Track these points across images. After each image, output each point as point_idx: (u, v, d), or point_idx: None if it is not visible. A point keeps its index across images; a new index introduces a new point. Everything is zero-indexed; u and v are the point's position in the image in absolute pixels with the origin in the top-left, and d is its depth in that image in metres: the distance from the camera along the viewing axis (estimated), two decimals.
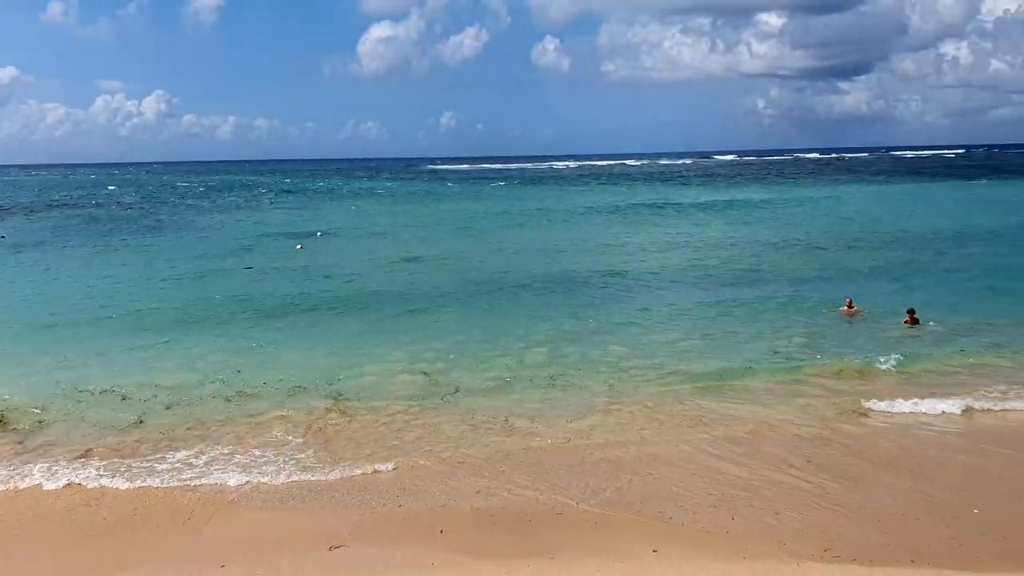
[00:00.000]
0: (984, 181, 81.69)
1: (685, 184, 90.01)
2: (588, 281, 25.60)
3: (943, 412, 12.98)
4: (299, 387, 14.95)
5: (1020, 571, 8.18)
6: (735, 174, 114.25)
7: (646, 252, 32.92)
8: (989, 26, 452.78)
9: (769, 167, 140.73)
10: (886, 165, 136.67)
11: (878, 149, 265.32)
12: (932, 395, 13.70)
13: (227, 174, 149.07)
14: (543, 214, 52.19)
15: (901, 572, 8.21)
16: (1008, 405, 13.31)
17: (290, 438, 12.49)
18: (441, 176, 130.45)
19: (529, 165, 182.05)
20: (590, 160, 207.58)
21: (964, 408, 13.12)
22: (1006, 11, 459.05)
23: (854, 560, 8.44)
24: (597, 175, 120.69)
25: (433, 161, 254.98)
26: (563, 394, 14.41)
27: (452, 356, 16.80)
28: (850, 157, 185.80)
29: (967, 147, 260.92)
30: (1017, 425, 12.64)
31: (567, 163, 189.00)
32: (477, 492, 10.45)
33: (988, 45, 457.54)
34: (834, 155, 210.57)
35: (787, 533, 9.13)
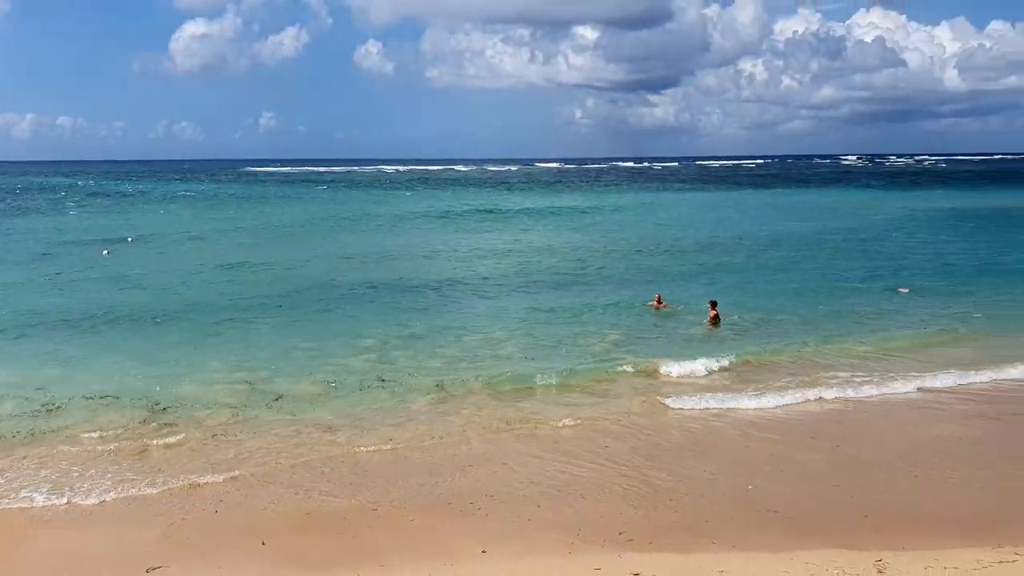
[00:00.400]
0: (779, 189, 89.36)
1: (512, 190, 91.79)
2: (417, 286, 25.70)
3: (734, 406, 14.11)
4: (112, 399, 14.21)
5: (792, 539, 9.24)
6: (558, 180, 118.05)
7: (474, 257, 33.37)
8: (781, 45, 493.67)
9: (588, 174, 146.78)
10: (694, 174, 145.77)
11: (685, 159, 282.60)
12: (725, 389, 15.04)
13: (25, 175, 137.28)
14: (370, 219, 51.57)
15: (727, 558, 8.88)
16: (790, 399, 14.48)
17: (103, 452, 11.91)
18: (261, 179, 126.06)
19: (355, 168, 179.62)
20: (420, 164, 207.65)
21: (755, 401, 14.33)
22: (795, 32, 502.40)
23: (651, 544, 9.15)
24: (426, 179, 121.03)
25: (252, 163, 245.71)
26: (390, 398, 14.49)
27: (275, 365, 16.45)
28: (662, 166, 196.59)
29: (763, 157, 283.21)
30: (797, 415, 13.90)
31: (396, 167, 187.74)
32: (300, 501, 10.37)
33: (780, 63, 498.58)
34: (646, 163, 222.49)
35: (605, 523, 9.67)
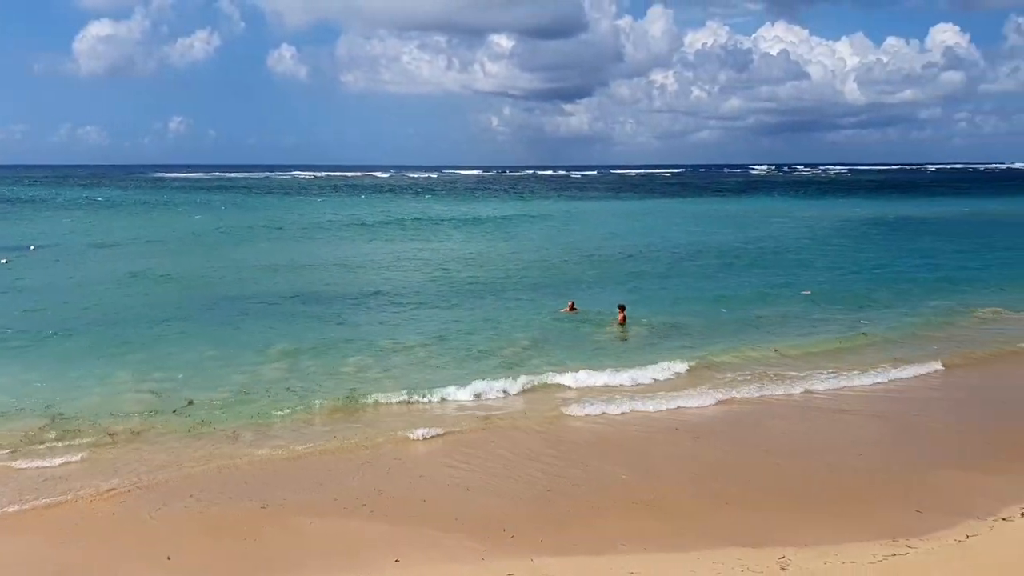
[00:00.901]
0: (694, 197, 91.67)
1: (434, 197, 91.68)
2: (331, 296, 25.34)
3: (634, 409, 14.44)
4: (12, 411, 13.74)
5: (697, 537, 9.52)
6: (480, 188, 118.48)
7: (391, 266, 33.01)
8: (691, 57, 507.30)
9: (509, 182, 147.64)
10: (613, 182, 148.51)
11: (601, 167, 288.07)
12: (624, 391, 15.45)
13: None
14: (285, 227, 50.59)
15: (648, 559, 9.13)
16: (679, 404, 14.78)
17: (1, 464, 11.51)
18: (170, 185, 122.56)
19: (271, 174, 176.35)
20: (338, 171, 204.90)
21: (652, 403, 14.66)
22: (704, 44, 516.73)
23: (560, 547, 9.38)
24: (344, 186, 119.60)
25: (161, 168, 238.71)
26: (297, 406, 14.32)
27: (183, 374, 16.12)
28: (581, 175, 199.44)
29: (675, 166, 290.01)
30: (689, 418, 14.19)
31: (315, 173, 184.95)
32: (205, 512, 10.17)
33: (690, 75, 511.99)
34: (563, 172, 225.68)
35: (514, 527, 9.74)
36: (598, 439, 13.12)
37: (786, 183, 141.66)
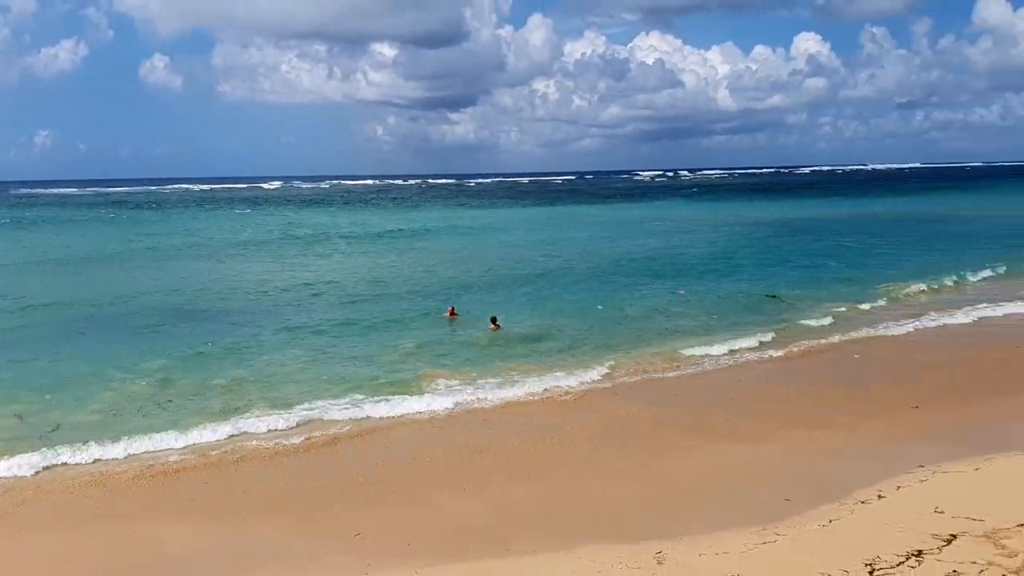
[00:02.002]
0: (587, 204, 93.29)
1: (326, 208, 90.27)
2: (215, 312, 24.32)
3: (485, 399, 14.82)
4: None
5: (572, 536, 9.52)
6: (374, 198, 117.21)
7: (275, 279, 31.78)
8: (571, 67, 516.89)
9: (400, 191, 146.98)
10: (507, 190, 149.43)
11: (489, 175, 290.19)
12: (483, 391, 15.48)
13: None
14: (171, 243, 48.32)
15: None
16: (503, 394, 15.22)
17: None
18: (38, 201, 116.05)
19: (152, 188, 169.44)
20: (223, 183, 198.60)
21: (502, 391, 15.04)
22: (583, 54, 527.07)
23: (442, 554, 9.19)
24: (232, 199, 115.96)
25: (27, 184, 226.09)
26: (172, 420, 13.78)
27: (49, 396, 15.21)
28: (477, 182, 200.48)
29: (562, 173, 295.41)
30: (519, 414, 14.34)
31: (201, 186, 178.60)
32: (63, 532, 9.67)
33: (571, 84, 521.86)
34: (454, 180, 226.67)
35: (392, 534, 9.57)
36: (465, 442, 12.97)
37: (673, 188, 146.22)
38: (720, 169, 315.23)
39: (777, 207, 78.76)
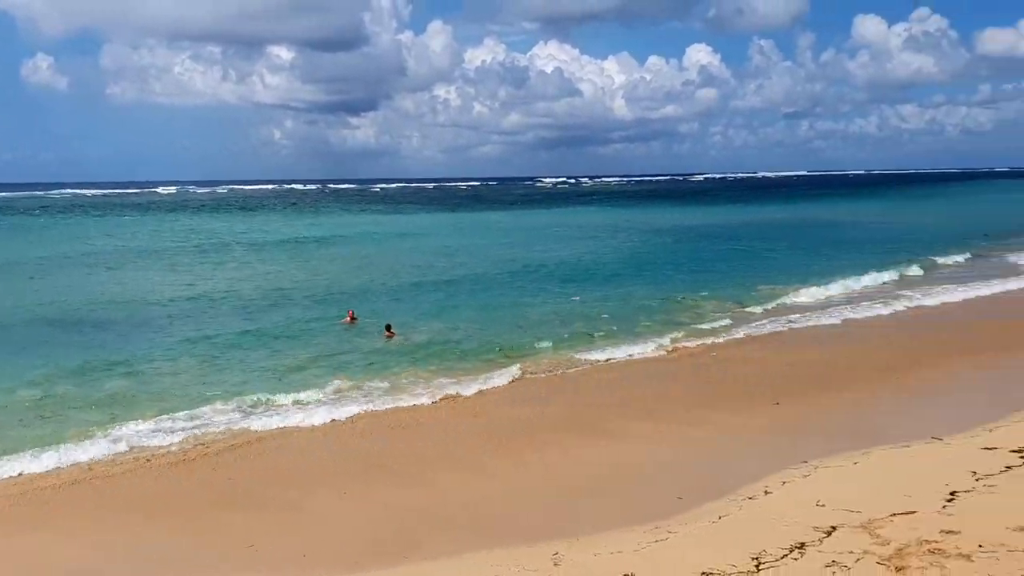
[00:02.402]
0: (491, 211, 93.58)
1: (224, 215, 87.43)
2: (106, 321, 23.27)
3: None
4: None
5: (467, 540, 9.47)
6: (272, 205, 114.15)
7: (168, 288, 30.75)
8: (472, 73, 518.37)
9: (301, 196, 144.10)
10: (411, 196, 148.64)
11: (389, 180, 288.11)
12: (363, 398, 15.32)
13: None
14: (64, 252, 45.73)
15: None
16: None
17: None
18: None
19: (39, 193, 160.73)
20: (115, 189, 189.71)
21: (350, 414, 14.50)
22: (483, 61, 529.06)
23: (354, 563, 9.03)
24: (122, 205, 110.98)
25: None
26: (54, 433, 13.15)
27: None
28: (382, 188, 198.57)
29: (466, 179, 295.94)
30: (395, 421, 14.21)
31: (91, 191, 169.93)
32: None
33: (472, 90, 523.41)
34: (355, 185, 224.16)
35: (285, 547, 9.35)
36: (330, 451, 12.82)
37: (575, 194, 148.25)
38: (618, 176, 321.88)
39: (674, 213, 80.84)
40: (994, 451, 10.49)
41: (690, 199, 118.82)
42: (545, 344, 19.38)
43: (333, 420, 14.19)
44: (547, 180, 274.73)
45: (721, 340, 19.96)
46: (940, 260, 33.93)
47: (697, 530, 9.07)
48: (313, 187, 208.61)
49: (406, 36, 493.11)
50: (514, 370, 17.06)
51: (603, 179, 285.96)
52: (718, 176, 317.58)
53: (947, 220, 59.92)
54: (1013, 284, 27.30)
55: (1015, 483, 9.21)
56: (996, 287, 26.65)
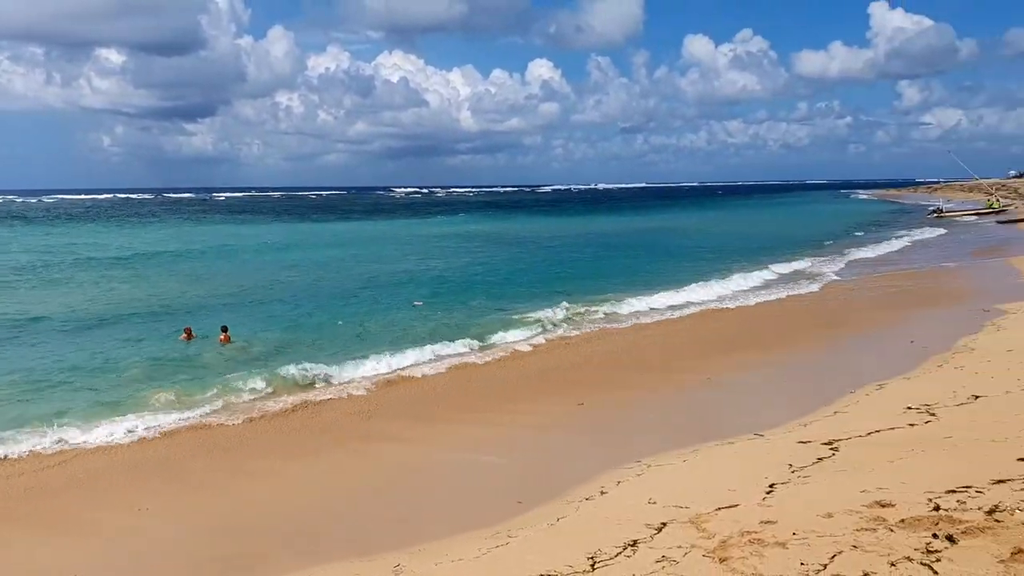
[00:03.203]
0: (342, 221, 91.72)
1: (49, 227, 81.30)
2: None
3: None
4: None
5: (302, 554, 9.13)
6: (102, 215, 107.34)
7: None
8: (315, 81, 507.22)
9: (126, 205, 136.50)
10: (259, 205, 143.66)
11: (232, 189, 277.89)
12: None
13: None
14: None
15: None
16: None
17: None
18: None
19: None
20: None
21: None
22: (327, 68, 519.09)
23: None
24: None
25: None
26: None
27: None
28: (226, 196, 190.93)
29: (309, 188, 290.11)
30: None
31: None
32: None
33: (316, 98, 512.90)
34: (192, 194, 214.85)
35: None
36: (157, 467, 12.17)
37: (426, 204, 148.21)
38: (467, 187, 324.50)
39: (521, 223, 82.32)
40: (808, 444, 11.13)
41: (536, 209, 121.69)
42: (382, 351, 19.02)
43: (146, 435, 13.60)
44: (399, 190, 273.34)
45: (541, 341, 20.45)
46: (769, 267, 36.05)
47: (536, 534, 9.09)
48: (149, 196, 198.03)
49: (245, 41, 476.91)
50: (345, 380, 16.88)
51: (456, 189, 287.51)
52: (563, 187, 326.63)
53: (777, 228, 64.12)
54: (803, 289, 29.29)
55: (825, 473, 9.79)
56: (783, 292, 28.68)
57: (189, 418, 14.41)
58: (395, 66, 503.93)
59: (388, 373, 17.57)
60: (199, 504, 10.86)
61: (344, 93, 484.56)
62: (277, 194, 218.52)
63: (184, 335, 21.09)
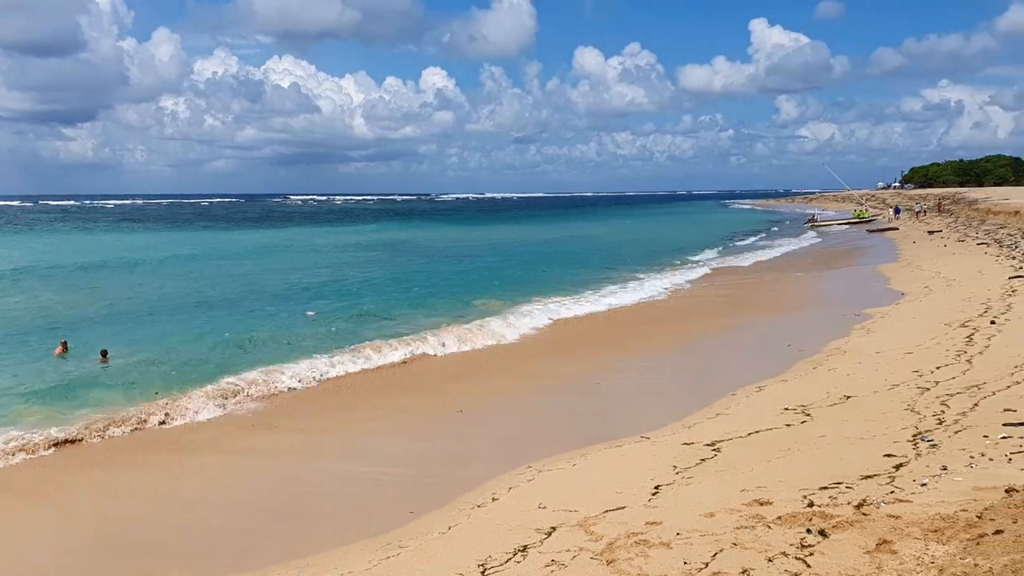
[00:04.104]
0: (230, 230, 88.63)
1: None
2: None
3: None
4: None
5: None
6: None
7: None
8: (202, 85, 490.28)
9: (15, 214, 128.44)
10: (127, 212, 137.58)
11: (112, 196, 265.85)
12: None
13: None
14: None
15: None
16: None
17: None
18: None
19: None
20: None
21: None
22: (215, 73, 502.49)
23: None
24: None
25: None
26: None
27: None
28: (115, 203, 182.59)
29: (199, 196, 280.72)
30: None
31: None
32: None
33: (203, 103, 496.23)
34: (72, 201, 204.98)
35: None
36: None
37: (325, 212, 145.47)
38: (368, 194, 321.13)
39: (421, 231, 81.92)
40: (692, 445, 11.39)
41: (440, 217, 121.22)
42: (268, 363, 18.27)
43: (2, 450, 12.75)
44: (296, 197, 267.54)
45: (406, 352, 20.14)
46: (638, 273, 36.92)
47: (428, 542, 8.94)
48: (28, 204, 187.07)
49: (128, 43, 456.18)
50: (229, 393, 16.06)
51: (355, 197, 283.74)
52: (464, 196, 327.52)
53: (661, 236, 65.93)
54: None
55: (707, 474, 10.02)
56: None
57: (55, 435, 13.42)
58: (286, 71, 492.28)
59: (266, 387, 16.77)
60: (71, 523, 10.21)
61: (233, 98, 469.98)
62: (166, 202, 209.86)
63: (59, 348, 19.83)
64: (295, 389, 16.97)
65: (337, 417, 14.95)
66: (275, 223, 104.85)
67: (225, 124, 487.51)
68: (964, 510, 6.97)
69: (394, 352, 19.98)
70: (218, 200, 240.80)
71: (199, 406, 15.28)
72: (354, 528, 9.72)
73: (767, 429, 11.79)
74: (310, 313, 25.69)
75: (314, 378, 17.61)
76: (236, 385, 16.59)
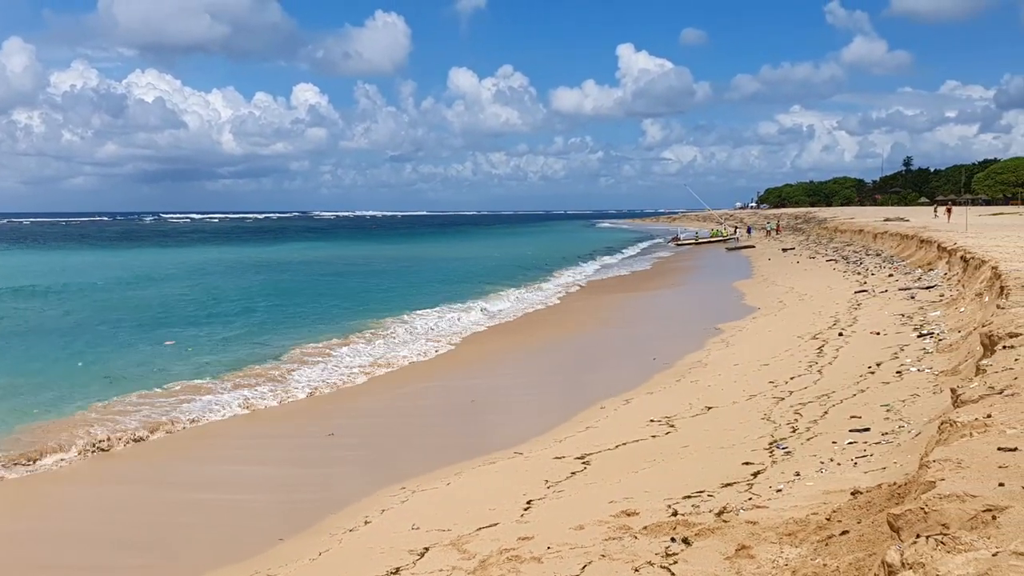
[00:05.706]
0: (91, 250, 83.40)
1: None
2: None
3: None
4: None
5: None
6: None
7: None
8: (59, 99, 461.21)
9: None
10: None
11: None
12: None
13: None
14: None
15: None
16: None
17: None
18: None
19: None
20: None
21: None
22: (73, 86, 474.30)
23: None
24: None
25: None
26: None
27: None
28: None
29: (59, 215, 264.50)
30: None
31: None
32: None
33: (59, 117, 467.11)
34: None
35: None
36: None
37: (196, 230, 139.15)
38: (243, 212, 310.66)
39: (281, 249, 79.84)
40: (563, 459, 11.40)
41: (306, 236, 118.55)
42: (114, 395, 16.76)
43: None
44: (171, 216, 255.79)
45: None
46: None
47: (297, 569, 8.54)
48: None
49: None
50: (77, 434, 14.14)
51: (229, 215, 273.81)
52: (343, 213, 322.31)
53: (532, 251, 66.76)
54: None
55: (577, 487, 10.04)
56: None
57: None
58: (149, 85, 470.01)
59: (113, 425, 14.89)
60: None
61: (92, 112, 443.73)
62: (26, 221, 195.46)
63: None
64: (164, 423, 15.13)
65: (189, 448, 13.84)
66: (142, 242, 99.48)
67: (84, 139, 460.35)
68: (815, 513, 7.22)
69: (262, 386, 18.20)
70: (79, 219, 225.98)
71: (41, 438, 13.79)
72: (221, 556, 9.17)
73: (634, 441, 11.96)
74: (169, 342, 23.44)
75: (167, 410, 15.77)
76: (84, 416, 14.97)
